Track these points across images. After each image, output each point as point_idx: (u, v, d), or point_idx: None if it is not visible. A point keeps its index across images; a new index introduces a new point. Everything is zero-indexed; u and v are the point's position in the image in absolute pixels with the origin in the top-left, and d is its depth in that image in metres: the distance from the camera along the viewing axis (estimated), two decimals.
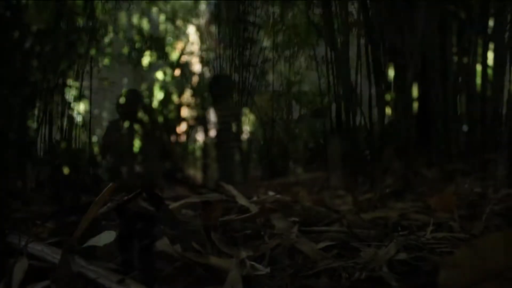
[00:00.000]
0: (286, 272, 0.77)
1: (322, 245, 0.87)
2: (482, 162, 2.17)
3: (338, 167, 2.55)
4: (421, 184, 1.90)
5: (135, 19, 3.61)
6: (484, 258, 0.52)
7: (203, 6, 5.40)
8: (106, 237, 0.76)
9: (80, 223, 0.85)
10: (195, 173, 4.95)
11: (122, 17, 3.31)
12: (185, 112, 4.02)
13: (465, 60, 3.09)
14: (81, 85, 3.60)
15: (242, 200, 1.04)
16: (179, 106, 3.87)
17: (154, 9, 4.04)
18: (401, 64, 2.65)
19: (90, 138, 3.48)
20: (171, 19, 4.14)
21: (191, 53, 4.47)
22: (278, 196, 1.10)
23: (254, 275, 0.72)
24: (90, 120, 3.45)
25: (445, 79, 2.29)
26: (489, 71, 3.36)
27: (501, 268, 0.51)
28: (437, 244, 0.79)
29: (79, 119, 3.70)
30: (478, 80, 3.31)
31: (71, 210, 0.97)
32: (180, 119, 3.92)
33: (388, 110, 2.94)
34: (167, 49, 4.13)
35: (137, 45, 3.39)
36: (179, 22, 4.52)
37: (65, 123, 3.57)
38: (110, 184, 0.88)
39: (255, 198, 1.10)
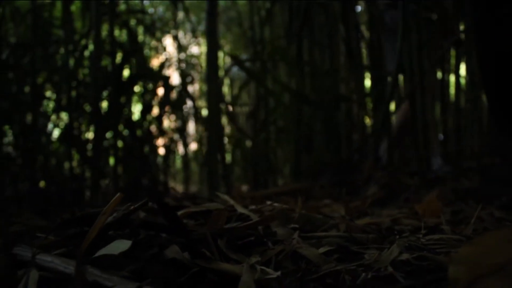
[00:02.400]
0: (294, 275, 0.80)
1: (323, 250, 0.91)
2: (461, 170, 2.26)
3: (322, 177, 2.61)
4: (403, 192, 1.97)
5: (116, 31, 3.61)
6: (488, 253, 0.57)
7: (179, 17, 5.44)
8: (121, 246, 0.77)
9: (88, 233, 0.86)
10: (176, 185, 4.93)
11: (103, 29, 3.30)
12: (165, 124, 4.02)
13: (439, 72, 3.22)
14: (60, 98, 3.56)
15: (241, 209, 1.07)
16: (159, 118, 3.86)
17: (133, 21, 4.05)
18: (380, 77, 2.74)
19: (70, 152, 3.44)
20: (150, 30, 4.15)
21: (170, 65, 4.49)
22: (275, 204, 1.14)
23: (264, 279, 0.75)
24: (69, 133, 3.42)
25: (423, 91, 2.39)
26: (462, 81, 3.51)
27: (503, 262, 0.56)
28: (435, 245, 0.84)
29: (58, 132, 3.66)
30: (452, 91, 3.45)
31: (75, 222, 0.98)
32: (160, 132, 3.91)
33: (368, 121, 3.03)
34: (147, 61, 4.13)
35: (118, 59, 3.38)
36: (158, 34, 4.53)
37: (44, 137, 3.52)
38: (118, 194, 0.90)
39: (253, 207, 1.13)
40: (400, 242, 0.80)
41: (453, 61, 3.29)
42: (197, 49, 5.54)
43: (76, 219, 1.00)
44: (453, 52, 3.25)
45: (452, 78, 3.34)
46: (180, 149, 4.36)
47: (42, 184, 3.52)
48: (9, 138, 3.45)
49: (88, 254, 0.84)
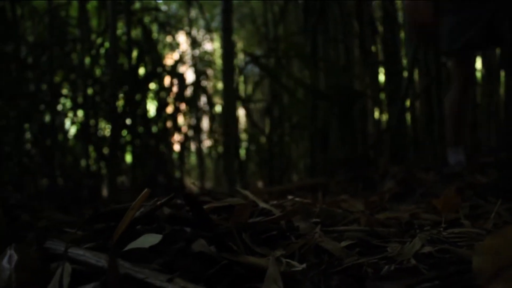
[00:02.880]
0: (317, 268, 0.83)
1: (345, 243, 0.93)
2: (477, 165, 2.26)
3: (338, 172, 2.62)
4: (420, 187, 1.98)
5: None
6: (511, 245, 0.58)
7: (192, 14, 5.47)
8: (151, 239, 0.80)
9: (118, 227, 0.89)
10: (191, 181, 4.97)
11: (119, 27, 3.34)
12: (180, 120, 4.06)
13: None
14: (77, 96, 3.62)
15: (263, 204, 1.10)
16: (174, 115, 3.90)
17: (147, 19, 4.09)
18: (394, 72, 2.74)
19: (86, 149, 3.50)
20: (165, 28, 4.19)
21: (184, 62, 4.52)
22: (297, 199, 1.16)
23: (290, 272, 0.78)
24: (86, 131, 3.47)
25: (438, 87, 2.39)
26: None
27: None
28: (456, 238, 0.86)
29: (75, 130, 3.72)
30: None
31: (103, 217, 1.01)
32: (175, 128, 3.95)
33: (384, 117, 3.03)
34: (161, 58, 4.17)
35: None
36: (172, 31, 4.56)
37: (61, 134, 3.58)
38: (145, 190, 0.93)
39: (274, 202, 1.16)
40: (422, 235, 0.82)
41: None
42: (211, 45, 5.56)
43: (103, 214, 1.03)
44: None
45: None
46: (195, 145, 4.40)
47: (60, 181, 3.59)
48: (28, 136, 3.51)
49: (118, 248, 0.86)
